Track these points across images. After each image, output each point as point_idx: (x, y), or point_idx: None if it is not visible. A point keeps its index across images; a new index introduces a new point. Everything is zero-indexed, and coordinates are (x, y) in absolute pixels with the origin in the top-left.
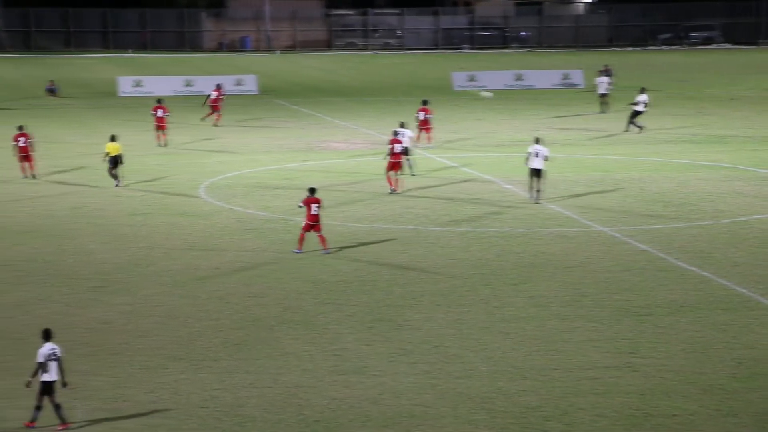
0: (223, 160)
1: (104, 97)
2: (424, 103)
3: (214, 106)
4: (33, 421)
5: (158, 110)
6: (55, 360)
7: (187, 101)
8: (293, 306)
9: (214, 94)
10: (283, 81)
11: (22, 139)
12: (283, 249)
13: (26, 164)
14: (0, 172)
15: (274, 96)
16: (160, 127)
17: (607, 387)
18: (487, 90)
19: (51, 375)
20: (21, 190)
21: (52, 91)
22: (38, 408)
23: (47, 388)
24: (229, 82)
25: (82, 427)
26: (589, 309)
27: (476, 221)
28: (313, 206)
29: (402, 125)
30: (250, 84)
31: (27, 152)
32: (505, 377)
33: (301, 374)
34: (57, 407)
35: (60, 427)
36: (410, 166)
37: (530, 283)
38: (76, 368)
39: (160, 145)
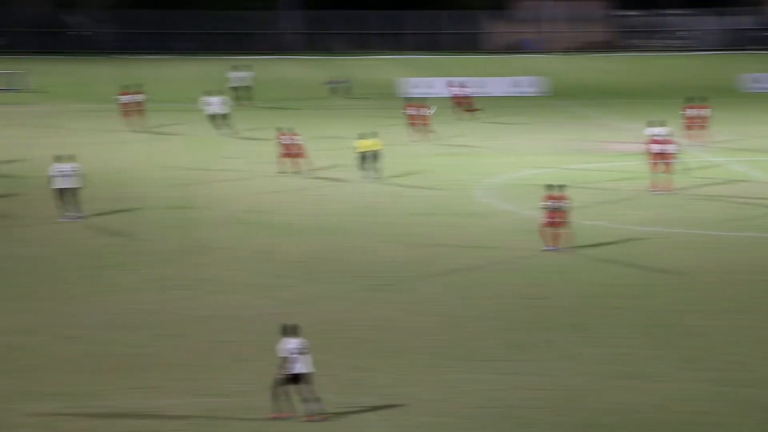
0: (503, 161)
1: (386, 97)
2: (692, 100)
3: (460, 102)
4: (281, 411)
5: (409, 108)
6: (301, 354)
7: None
8: (572, 308)
9: (455, 91)
10: (564, 82)
11: (285, 137)
12: (563, 251)
13: (290, 161)
14: (291, 173)
15: (555, 97)
16: (413, 124)
17: None
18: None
19: (299, 368)
20: (305, 188)
21: (337, 89)
22: (278, 396)
23: (294, 380)
24: (508, 84)
25: (331, 416)
26: None
27: (760, 225)
28: (553, 202)
29: (654, 124)
30: (531, 85)
31: (290, 150)
32: None
33: (581, 377)
34: (308, 400)
35: (307, 418)
36: (681, 165)
37: None
38: (358, 364)
39: (426, 141)
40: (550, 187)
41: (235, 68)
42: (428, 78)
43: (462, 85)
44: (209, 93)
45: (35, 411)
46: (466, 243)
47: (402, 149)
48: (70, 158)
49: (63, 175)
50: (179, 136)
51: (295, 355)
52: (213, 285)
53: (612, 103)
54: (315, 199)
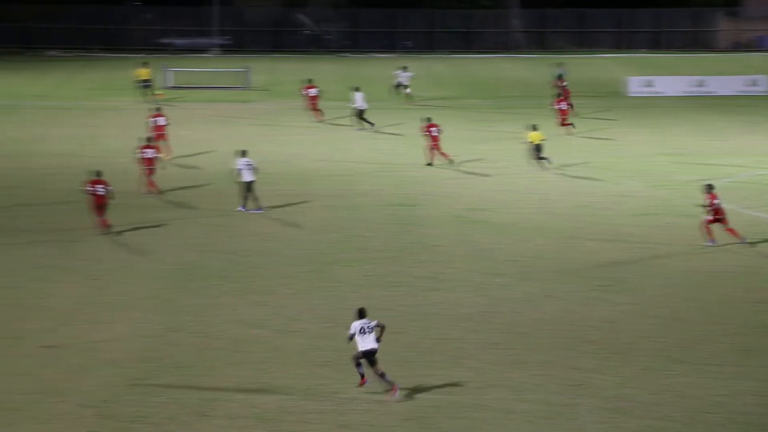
0: (734, 162)
1: (613, 96)
2: None
3: (564, 98)
4: (362, 377)
5: (561, 104)
6: (367, 333)
7: (697, 101)
8: None
9: (563, 84)
10: None
11: (433, 129)
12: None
13: (434, 152)
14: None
15: None
16: (563, 121)
17: None
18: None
19: (367, 344)
20: (534, 187)
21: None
22: (359, 365)
23: (366, 356)
24: (741, 83)
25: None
26: None
27: None
28: (714, 201)
29: None
30: (764, 84)
31: (436, 141)
32: None
33: None
34: (381, 375)
35: (392, 394)
36: None
37: None
38: (580, 365)
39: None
40: (710, 186)
41: (403, 68)
42: (655, 77)
43: (561, 78)
44: (357, 89)
45: (260, 402)
46: (690, 244)
47: (624, 149)
48: (245, 153)
49: (249, 169)
50: (400, 134)
51: (359, 333)
52: (431, 282)
53: None
54: (534, 198)
